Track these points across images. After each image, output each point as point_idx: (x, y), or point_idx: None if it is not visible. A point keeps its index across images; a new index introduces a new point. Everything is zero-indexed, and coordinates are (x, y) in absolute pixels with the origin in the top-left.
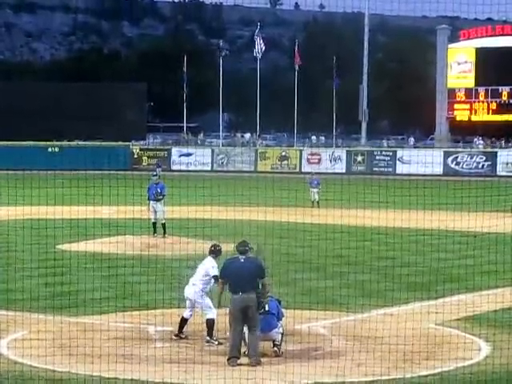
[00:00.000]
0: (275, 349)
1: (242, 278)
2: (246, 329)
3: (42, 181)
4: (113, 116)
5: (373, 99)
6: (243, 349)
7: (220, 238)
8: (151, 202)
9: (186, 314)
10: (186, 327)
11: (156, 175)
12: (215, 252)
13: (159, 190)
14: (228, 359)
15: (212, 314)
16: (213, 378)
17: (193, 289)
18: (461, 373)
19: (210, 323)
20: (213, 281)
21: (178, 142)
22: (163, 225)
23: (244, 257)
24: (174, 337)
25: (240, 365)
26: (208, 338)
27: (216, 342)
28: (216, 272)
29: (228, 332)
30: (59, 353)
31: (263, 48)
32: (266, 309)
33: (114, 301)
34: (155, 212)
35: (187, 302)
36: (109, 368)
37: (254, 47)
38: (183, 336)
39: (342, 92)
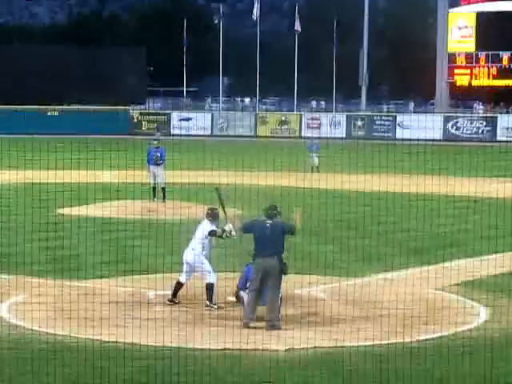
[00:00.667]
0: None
1: (266, 242)
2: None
3: (41, 145)
4: (113, 80)
5: (373, 64)
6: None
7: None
8: (151, 166)
9: (183, 278)
10: (182, 290)
11: (156, 139)
12: (212, 215)
13: (159, 155)
14: (243, 321)
15: (211, 278)
16: (212, 341)
17: (192, 253)
18: (459, 337)
19: (210, 287)
20: (207, 242)
21: (178, 107)
22: (163, 189)
23: (271, 221)
24: (167, 302)
25: (255, 328)
26: (207, 302)
27: (215, 307)
28: (211, 228)
29: (229, 296)
30: (59, 316)
31: (258, 12)
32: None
33: (114, 265)
34: (155, 176)
35: (185, 265)
36: (109, 332)
37: (253, 11)
38: (177, 301)
39: (342, 57)
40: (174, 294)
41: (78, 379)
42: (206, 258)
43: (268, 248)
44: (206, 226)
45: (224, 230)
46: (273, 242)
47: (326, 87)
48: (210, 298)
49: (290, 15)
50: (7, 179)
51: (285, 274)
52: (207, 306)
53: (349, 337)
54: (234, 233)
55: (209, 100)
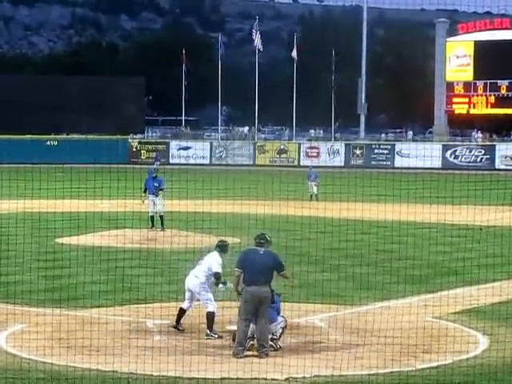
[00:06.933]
0: (271, 343)
1: (257, 271)
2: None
3: (41, 174)
4: (111, 109)
5: (371, 93)
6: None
7: (219, 231)
8: (150, 195)
9: (185, 305)
10: (183, 319)
11: (156, 169)
12: (222, 248)
13: (157, 185)
14: (233, 351)
15: (212, 306)
16: (211, 370)
17: (195, 281)
18: (458, 366)
19: (211, 316)
20: (212, 278)
21: (177, 136)
22: (161, 217)
23: (263, 249)
24: (171, 328)
25: (246, 356)
26: (208, 331)
27: (216, 336)
28: (219, 269)
29: (227, 326)
30: (58, 346)
31: (260, 42)
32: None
33: (113, 294)
34: (154, 205)
35: (187, 293)
36: (107, 361)
37: (254, 41)
38: (181, 328)
39: (340, 85)
40: (178, 321)
41: None
42: (209, 287)
43: (259, 276)
44: (213, 257)
45: (225, 283)
46: (264, 270)
47: (325, 116)
48: (210, 327)
49: (288, 45)
50: (7, 208)
51: (273, 302)
52: (207, 334)
53: (348, 365)
54: (227, 286)
55: (207, 132)
